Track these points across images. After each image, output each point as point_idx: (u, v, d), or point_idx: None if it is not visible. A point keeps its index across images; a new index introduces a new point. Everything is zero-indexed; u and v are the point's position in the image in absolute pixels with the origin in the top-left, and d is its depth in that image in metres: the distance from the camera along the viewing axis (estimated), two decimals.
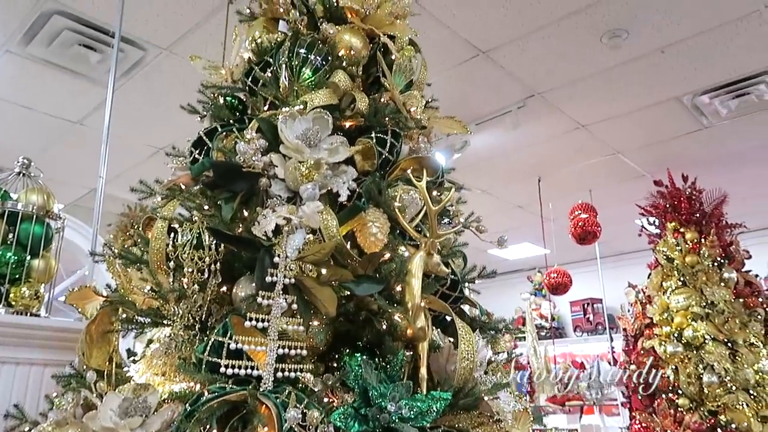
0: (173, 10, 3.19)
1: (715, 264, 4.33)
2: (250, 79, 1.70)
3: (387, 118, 1.64)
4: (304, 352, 1.24)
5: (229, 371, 1.17)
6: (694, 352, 4.12)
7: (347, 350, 1.35)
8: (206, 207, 1.41)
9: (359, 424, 1.14)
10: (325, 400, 1.22)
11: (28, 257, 2.04)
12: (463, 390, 1.31)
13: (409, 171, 1.56)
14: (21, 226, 2.04)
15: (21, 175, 2.20)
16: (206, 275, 1.33)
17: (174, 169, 1.58)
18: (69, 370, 1.52)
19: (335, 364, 1.33)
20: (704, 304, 4.22)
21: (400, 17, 1.90)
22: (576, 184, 5.39)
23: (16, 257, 2.00)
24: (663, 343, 4.33)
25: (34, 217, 2.06)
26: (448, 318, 1.54)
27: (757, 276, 4.47)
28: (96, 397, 1.23)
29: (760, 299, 4.27)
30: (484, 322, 1.62)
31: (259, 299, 1.22)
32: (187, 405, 1.13)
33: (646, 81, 3.86)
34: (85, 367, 1.41)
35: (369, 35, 1.78)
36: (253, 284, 1.31)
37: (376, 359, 1.30)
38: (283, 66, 1.64)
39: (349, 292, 1.33)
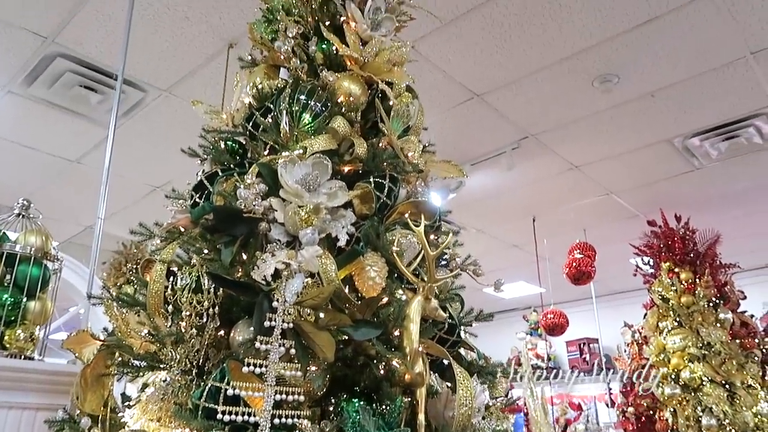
0: (174, 53, 3.26)
1: (711, 304, 4.34)
2: (250, 124, 1.74)
3: (385, 163, 1.67)
4: (302, 398, 1.23)
5: (227, 418, 1.16)
6: (692, 394, 4.09)
7: (345, 396, 1.34)
8: (206, 251, 1.42)
9: None
10: None
11: (25, 299, 2.03)
12: None
13: (406, 215, 1.58)
14: (19, 267, 2.04)
15: (20, 216, 2.21)
16: (204, 319, 1.33)
17: (174, 212, 1.60)
18: (62, 415, 1.50)
19: (332, 410, 1.32)
20: (701, 345, 4.20)
21: (398, 64, 1.95)
22: (570, 224, 5.43)
23: (12, 299, 2.00)
24: (660, 384, 4.29)
25: (32, 258, 2.06)
26: (446, 362, 1.53)
27: (752, 316, 4.47)
28: None
29: (757, 340, 4.27)
30: (481, 366, 1.62)
31: (258, 344, 1.22)
32: None
33: (638, 124, 3.94)
34: (78, 411, 1.39)
35: (367, 82, 1.83)
36: (251, 328, 1.31)
37: (374, 405, 1.29)
38: (284, 111, 1.68)
39: (347, 337, 1.33)
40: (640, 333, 4.75)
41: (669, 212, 4.56)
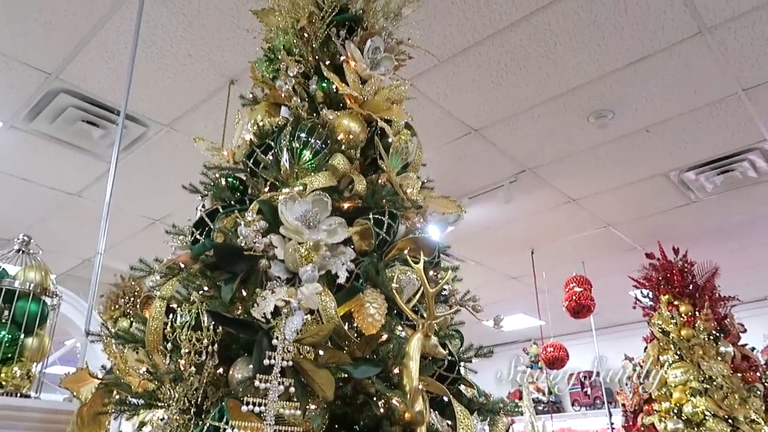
0: (176, 89, 3.31)
1: (711, 337, 4.32)
2: (251, 160, 1.76)
3: (384, 200, 1.68)
4: None
5: None
6: (695, 429, 4.04)
7: None
8: (206, 288, 1.42)
9: None
10: None
11: (22, 336, 2.02)
12: None
13: (406, 251, 1.59)
14: (17, 303, 2.04)
15: (20, 252, 2.21)
16: (203, 357, 1.33)
17: (174, 248, 1.61)
18: None
19: None
20: (702, 379, 4.18)
21: (397, 102, 1.98)
22: (569, 256, 5.44)
23: (10, 336, 1.98)
24: (663, 419, 4.25)
25: (31, 294, 2.06)
26: (446, 399, 1.52)
27: (753, 349, 4.45)
28: None
29: (758, 374, 4.24)
30: (482, 403, 1.61)
31: (257, 382, 1.21)
32: None
33: (633, 158, 3.99)
34: None
35: (367, 120, 1.86)
36: (251, 366, 1.30)
37: None
38: (284, 148, 1.70)
39: (346, 375, 1.33)
40: (642, 366, 4.72)
41: (667, 245, 4.58)
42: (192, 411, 1.29)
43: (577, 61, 3.11)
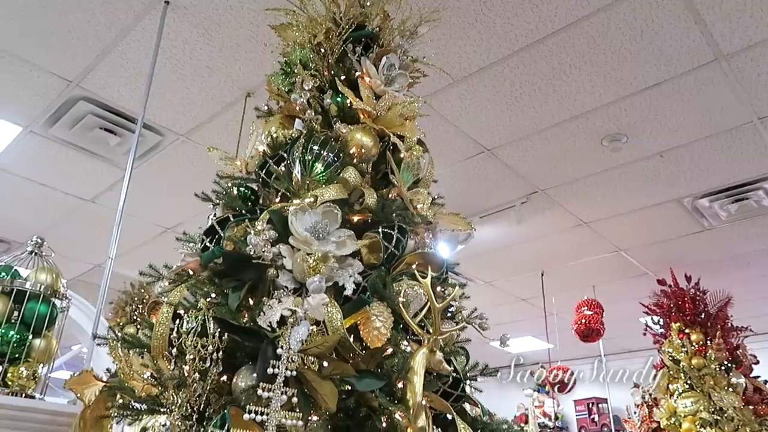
0: (194, 100, 3.36)
1: (723, 368, 4.25)
2: (264, 171, 1.77)
3: (394, 214, 1.69)
4: None
5: None
6: None
7: None
8: (213, 294, 1.43)
9: None
10: None
11: (30, 337, 2.03)
12: None
13: (414, 266, 1.59)
14: (27, 305, 2.06)
15: (33, 253, 2.24)
16: (208, 364, 1.33)
17: (184, 255, 1.62)
18: None
19: None
20: (713, 409, 4.10)
21: (410, 119, 2.00)
22: (579, 280, 5.40)
23: (18, 336, 2.00)
24: None
25: (41, 296, 2.08)
26: (449, 417, 1.51)
27: (765, 382, 4.37)
28: None
29: None
30: (486, 422, 1.59)
31: (260, 391, 1.21)
32: None
33: (646, 183, 3.97)
34: None
35: (380, 135, 1.87)
36: (254, 374, 1.30)
37: None
38: (297, 160, 1.71)
39: (350, 387, 1.32)
40: (650, 395, 4.65)
41: (679, 271, 4.54)
42: (194, 417, 1.29)
43: (591, 85, 3.12)
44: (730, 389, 4.15)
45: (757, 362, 4.38)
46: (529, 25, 2.76)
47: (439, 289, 1.64)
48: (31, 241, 2.30)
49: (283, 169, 1.74)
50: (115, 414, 1.44)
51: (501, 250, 4.98)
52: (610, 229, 4.59)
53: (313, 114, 1.86)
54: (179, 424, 1.26)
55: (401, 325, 1.51)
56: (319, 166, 1.73)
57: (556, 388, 5.08)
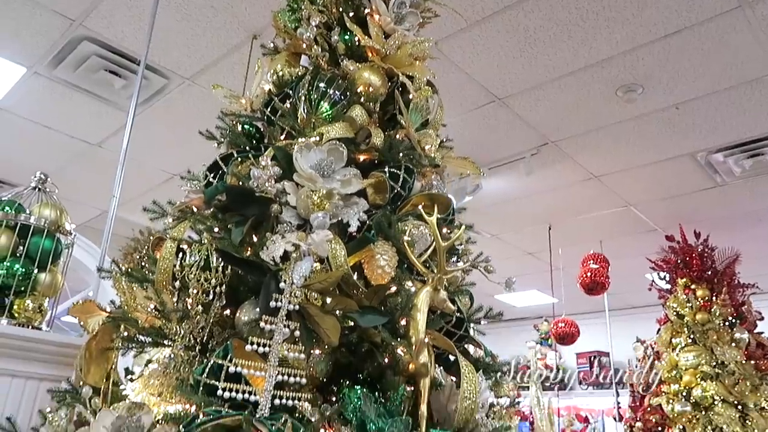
0: (199, 42, 3.28)
1: (726, 323, 4.26)
2: (269, 109, 1.74)
3: (401, 154, 1.66)
4: (304, 380, 1.22)
5: (227, 395, 1.15)
6: (703, 412, 4.02)
7: (347, 382, 1.33)
8: (216, 229, 1.41)
9: None
10: (322, 431, 1.19)
11: (36, 270, 2.05)
12: (464, 430, 1.28)
13: (420, 207, 1.57)
14: (32, 239, 2.06)
15: (36, 189, 2.23)
16: (211, 297, 1.33)
17: (187, 192, 1.60)
18: (66, 386, 1.51)
19: (334, 398, 1.31)
20: (714, 363, 4.13)
21: (420, 59, 1.94)
22: (587, 234, 5.38)
23: (23, 269, 2.01)
24: (671, 401, 4.23)
25: (45, 231, 2.08)
26: (452, 358, 1.52)
27: None
28: (90, 414, 1.21)
29: None
30: (488, 363, 1.60)
31: (262, 324, 1.21)
32: (181, 427, 1.11)
33: (660, 136, 3.89)
34: (81, 383, 1.39)
35: (388, 74, 1.82)
36: (257, 309, 1.30)
37: (377, 393, 1.27)
38: (302, 98, 1.67)
39: (352, 323, 1.32)
40: (653, 348, 4.69)
41: (688, 228, 4.49)
42: (197, 348, 1.30)
43: (609, 32, 3.01)
44: (733, 344, 4.17)
45: (762, 318, 4.39)
46: None
47: (445, 230, 1.62)
48: (34, 177, 2.29)
49: (288, 106, 1.70)
50: (120, 346, 1.45)
51: (508, 202, 4.94)
52: (620, 183, 4.53)
53: (319, 51, 1.80)
54: (182, 354, 1.27)
55: (405, 265, 1.49)
56: (325, 105, 1.69)
57: (559, 341, 5.12)
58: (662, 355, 4.52)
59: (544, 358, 7.15)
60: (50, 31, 3.26)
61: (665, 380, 4.35)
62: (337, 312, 1.29)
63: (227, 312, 1.38)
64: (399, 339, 1.31)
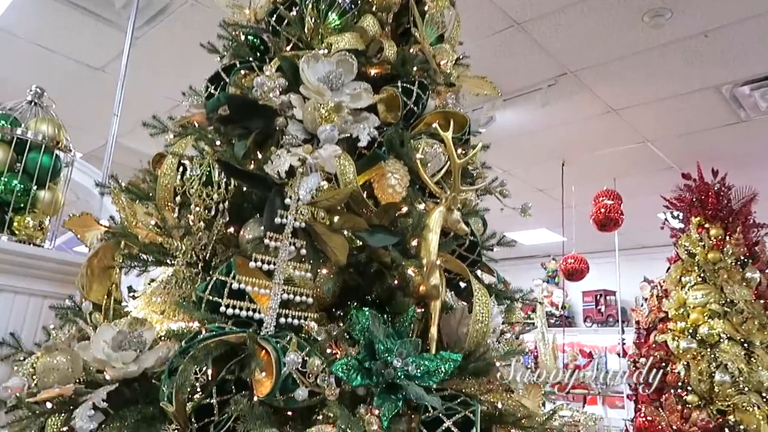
0: None
1: (738, 263, 4.21)
2: (274, 18, 1.62)
3: (415, 69, 1.55)
4: (310, 300, 1.17)
5: (230, 311, 1.11)
6: (708, 350, 4.02)
7: (354, 304, 1.28)
8: (218, 143, 1.34)
9: (362, 378, 1.07)
10: (328, 351, 1.16)
11: (35, 187, 1.99)
12: (475, 354, 1.24)
13: (434, 125, 1.47)
14: (29, 155, 1.99)
15: (32, 104, 2.14)
16: (213, 213, 1.27)
17: (189, 107, 1.51)
18: (68, 304, 1.48)
19: (341, 322, 1.27)
20: (723, 302, 4.11)
21: None
22: (600, 171, 5.25)
23: (22, 186, 1.95)
24: (676, 338, 4.23)
25: (43, 146, 2.01)
26: (462, 284, 1.47)
27: None
28: (90, 329, 1.18)
29: None
30: (500, 290, 1.55)
31: (267, 241, 1.16)
32: (183, 343, 1.08)
33: (686, 66, 3.70)
34: (83, 300, 1.36)
35: None
36: (262, 227, 1.24)
37: (385, 317, 1.23)
38: (310, 6, 1.55)
39: (361, 243, 1.26)
40: (661, 286, 4.67)
41: (707, 166, 4.36)
42: (199, 266, 1.25)
43: None
44: (744, 283, 4.13)
45: None
46: None
47: (459, 151, 1.53)
48: (30, 91, 2.19)
49: (294, 15, 1.58)
50: (122, 264, 1.41)
51: (522, 136, 4.80)
52: (639, 117, 4.37)
53: None
54: (184, 270, 1.22)
55: (417, 186, 1.42)
56: (333, 14, 1.57)
57: (567, 277, 5.11)
58: (670, 293, 4.50)
59: (550, 296, 7.19)
60: None
61: (672, 318, 4.35)
62: (345, 231, 1.23)
63: (231, 230, 1.33)
64: (410, 260, 1.25)
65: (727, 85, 3.85)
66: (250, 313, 1.13)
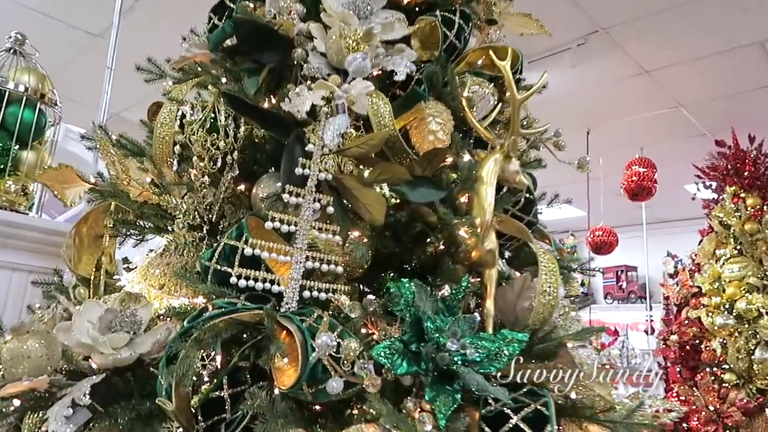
0: None
1: None
2: None
3: None
4: (339, 268, 0.95)
5: (242, 283, 0.89)
6: (747, 325, 3.80)
7: (391, 274, 1.06)
8: (224, 81, 1.11)
9: (408, 364, 0.86)
10: (363, 331, 0.94)
11: (16, 147, 1.76)
12: (538, 333, 1.02)
13: (479, 62, 1.24)
14: (8, 109, 1.75)
15: (12, 52, 1.91)
16: (220, 166, 1.04)
17: (188, 46, 1.27)
18: (56, 280, 1.27)
19: (376, 289, 1.05)
20: (762, 275, 3.88)
21: None
22: (627, 140, 4.98)
23: (0, 144, 1.72)
24: (711, 314, 4.02)
25: (24, 99, 1.77)
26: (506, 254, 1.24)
27: None
28: (73, 307, 0.97)
29: None
30: (556, 258, 1.32)
31: (285, 197, 0.93)
32: (185, 322, 0.86)
33: (728, 20, 3.41)
34: (72, 275, 1.14)
35: None
36: (279, 184, 1.02)
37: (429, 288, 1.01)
38: None
39: (398, 200, 1.04)
40: (693, 260, 4.44)
41: (742, 132, 4.10)
42: (204, 229, 1.03)
43: None
44: None
45: None
46: None
47: (508, 95, 1.30)
48: (9, 37, 1.95)
49: None
50: (114, 232, 1.19)
51: (546, 102, 4.50)
52: (673, 79, 4.08)
53: None
54: (185, 234, 1.01)
55: (461, 134, 1.19)
56: None
57: (595, 250, 4.86)
58: (703, 266, 4.28)
59: None
60: None
61: (706, 292, 4.13)
62: (381, 185, 1.01)
63: (241, 188, 1.11)
64: (463, 218, 1.02)
65: None
66: (267, 285, 0.91)
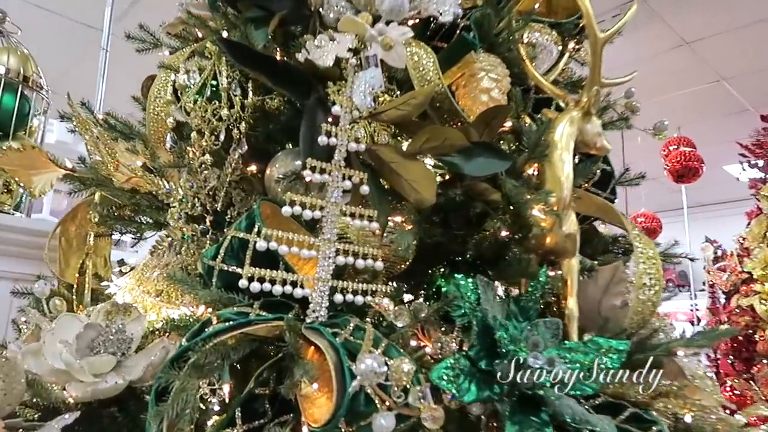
0: None
1: None
2: None
3: None
4: (379, 263, 0.74)
5: (255, 286, 0.68)
6: None
7: (442, 268, 0.85)
8: (226, 33, 0.90)
9: (479, 388, 0.64)
10: (413, 343, 0.73)
11: None
12: (633, 336, 0.79)
13: (536, 6, 1.02)
14: None
15: None
16: (224, 141, 0.84)
17: (183, 4, 1.07)
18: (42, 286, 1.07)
19: (424, 287, 0.83)
20: None
21: None
22: (664, 119, 4.69)
23: None
24: (764, 301, 3.78)
25: (2, 82, 1.57)
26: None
27: None
28: (46, 323, 0.77)
29: None
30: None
31: (307, 174, 0.72)
32: (183, 340, 0.66)
33: None
34: (46, 283, 0.94)
35: None
36: (297, 162, 0.81)
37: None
38: None
39: (448, 176, 0.82)
40: (741, 244, 4.18)
41: None
42: (207, 220, 0.82)
43: None
44: None
45: None
46: None
47: (571, 45, 1.07)
48: None
49: None
50: (101, 229, 0.99)
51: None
52: (715, 51, 3.80)
53: None
54: (182, 226, 0.80)
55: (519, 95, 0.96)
56: None
57: None
58: (753, 251, 4.01)
59: None
60: None
61: (758, 278, 3.87)
62: (427, 156, 0.79)
63: (252, 168, 0.90)
64: (536, 195, 0.79)
65: None
66: (288, 288, 0.70)
